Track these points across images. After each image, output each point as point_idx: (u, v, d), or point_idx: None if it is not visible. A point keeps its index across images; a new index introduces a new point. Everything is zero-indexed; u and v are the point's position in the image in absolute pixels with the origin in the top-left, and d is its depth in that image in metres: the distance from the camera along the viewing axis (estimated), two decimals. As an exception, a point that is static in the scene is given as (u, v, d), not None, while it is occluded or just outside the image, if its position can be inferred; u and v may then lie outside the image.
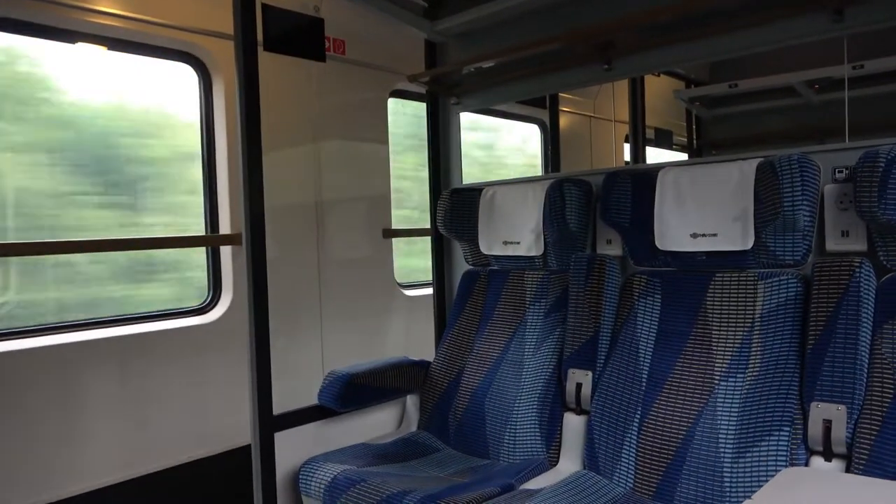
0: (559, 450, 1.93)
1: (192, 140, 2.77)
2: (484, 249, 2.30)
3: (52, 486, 2.26)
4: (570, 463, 1.90)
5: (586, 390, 1.90)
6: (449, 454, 2.10)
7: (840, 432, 1.45)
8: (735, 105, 3.89)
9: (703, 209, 1.77)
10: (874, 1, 1.65)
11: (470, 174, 2.65)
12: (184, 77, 2.72)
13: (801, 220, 1.60)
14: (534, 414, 1.98)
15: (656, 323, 1.85)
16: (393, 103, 3.43)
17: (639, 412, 1.77)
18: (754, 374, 1.63)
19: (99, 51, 2.47)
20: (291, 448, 2.00)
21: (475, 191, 2.34)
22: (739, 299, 1.72)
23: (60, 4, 2.29)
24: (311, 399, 2.12)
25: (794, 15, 1.77)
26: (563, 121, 4.03)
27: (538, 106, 3.93)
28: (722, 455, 1.59)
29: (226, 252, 2.78)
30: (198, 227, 2.78)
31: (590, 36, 2.07)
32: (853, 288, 1.51)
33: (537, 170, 4.14)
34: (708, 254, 1.78)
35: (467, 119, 2.75)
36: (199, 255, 2.81)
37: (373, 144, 3.29)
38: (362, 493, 1.71)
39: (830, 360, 1.50)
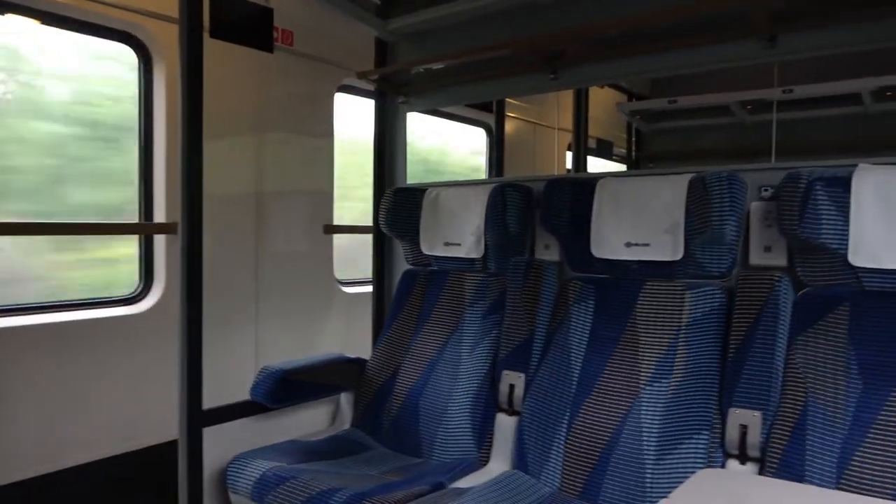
0: (490, 449, 1.96)
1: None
2: (425, 250, 2.31)
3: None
4: (500, 463, 1.93)
5: (519, 392, 1.93)
6: (381, 452, 2.10)
7: (755, 437, 1.53)
8: (673, 120, 4.04)
9: (638, 220, 1.83)
10: (804, 30, 1.75)
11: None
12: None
13: (727, 235, 1.68)
14: (467, 414, 2.00)
15: (589, 328, 1.90)
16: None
17: (568, 414, 1.82)
18: (678, 379, 1.70)
19: (30, 24, 2.37)
20: (220, 444, 1.96)
21: (419, 191, 2.35)
22: (667, 308, 1.78)
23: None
24: (243, 395, 2.08)
25: (731, 39, 1.86)
26: (509, 126, 4.09)
27: (485, 110, 3.98)
28: (645, 456, 1.65)
29: (160, 241, 2.70)
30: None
31: (538, 45, 2.12)
32: (772, 301, 1.59)
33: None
34: (640, 263, 1.85)
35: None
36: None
37: (318, 139, 3.26)
38: (291, 490, 1.70)
39: (749, 369, 1.57)
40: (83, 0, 2.38)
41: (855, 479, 1.40)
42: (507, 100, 4.03)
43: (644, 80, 4.09)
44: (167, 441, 2.61)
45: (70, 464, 2.39)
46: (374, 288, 2.61)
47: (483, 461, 1.95)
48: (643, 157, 4.18)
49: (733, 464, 1.56)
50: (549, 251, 2.13)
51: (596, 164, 4.10)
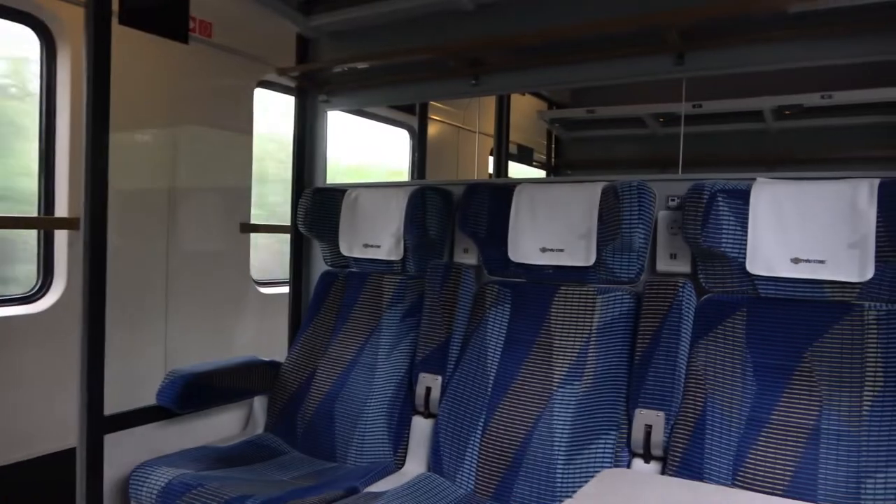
0: (406, 452, 1.96)
1: None
2: (344, 251, 2.28)
3: None
4: (415, 465, 1.93)
5: (435, 394, 1.94)
6: (295, 457, 2.06)
7: (658, 436, 1.60)
8: (591, 129, 4.17)
9: (553, 226, 1.88)
10: (711, 49, 1.85)
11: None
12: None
13: (636, 242, 1.75)
14: (383, 417, 1.99)
15: (505, 331, 1.93)
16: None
17: (483, 416, 1.84)
18: (588, 381, 1.75)
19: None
20: (123, 452, 1.87)
21: (338, 191, 2.32)
22: (580, 312, 1.84)
23: None
24: (150, 399, 1.99)
25: (643, 54, 1.93)
26: (433, 129, 4.10)
27: (409, 112, 3.98)
28: (556, 457, 1.69)
29: (61, 237, 2.55)
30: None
31: (460, 51, 2.14)
32: (676, 306, 1.67)
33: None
34: (555, 268, 1.89)
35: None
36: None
37: (236, 135, 3.17)
38: (197, 498, 1.64)
39: (654, 371, 1.64)
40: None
41: (749, 477, 1.48)
42: (432, 103, 4.05)
43: (565, 90, 4.20)
44: (67, 449, 2.47)
45: None
46: (290, 289, 2.56)
47: (399, 464, 1.95)
48: (562, 164, 4.29)
49: (638, 463, 1.62)
50: (467, 255, 2.15)
51: (519, 170, 4.17)
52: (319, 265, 2.48)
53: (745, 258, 1.61)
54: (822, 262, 1.53)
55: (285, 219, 2.93)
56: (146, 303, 2.79)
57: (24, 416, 2.39)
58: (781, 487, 1.44)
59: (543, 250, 1.90)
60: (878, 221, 1.47)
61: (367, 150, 4.09)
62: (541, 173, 4.36)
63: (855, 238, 1.50)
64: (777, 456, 1.47)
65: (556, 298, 1.89)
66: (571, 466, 1.67)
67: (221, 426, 2.20)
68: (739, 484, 1.48)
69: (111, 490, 1.84)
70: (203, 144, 3.01)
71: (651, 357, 1.66)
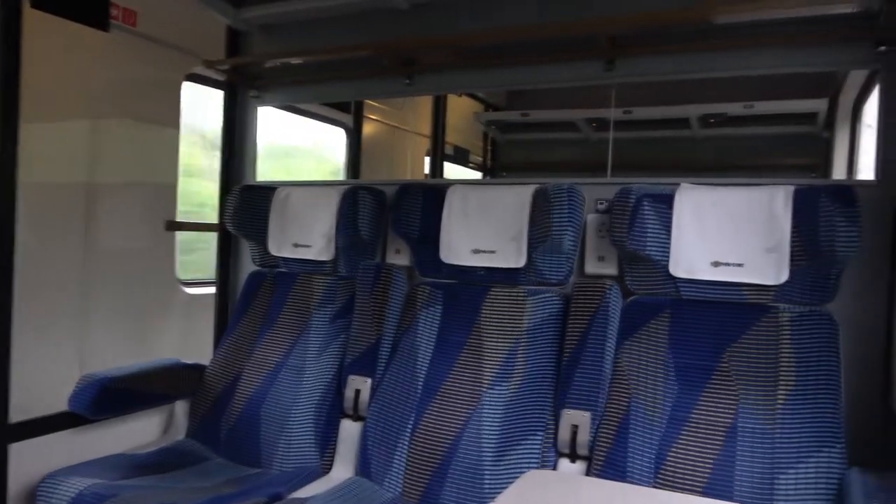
0: (333, 457, 1.92)
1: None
2: (273, 250, 2.22)
3: None
4: (343, 470, 1.89)
5: (364, 397, 1.91)
6: (218, 464, 1.99)
7: (584, 436, 1.62)
8: (526, 133, 4.21)
9: (485, 227, 1.88)
10: (641, 56, 1.89)
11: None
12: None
13: (566, 244, 1.77)
14: (310, 421, 1.95)
15: (436, 332, 1.92)
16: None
17: (412, 418, 1.82)
18: (517, 382, 1.76)
19: None
20: (31, 461, 1.76)
21: (268, 189, 2.26)
22: (510, 313, 1.84)
23: None
24: (62, 406, 1.89)
25: (576, 59, 1.97)
26: (368, 128, 4.06)
27: (344, 110, 3.92)
28: (484, 458, 1.69)
29: None
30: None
31: (394, 49, 2.12)
32: (603, 308, 1.70)
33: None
34: (486, 269, 1.89)
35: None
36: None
37: (161, 129, 3.04)
38: None
39: (580, 372, 1.66)
40: None
41: (670, 475, 1.51)
42: (368, 102, 4.00)
43: (501, 92, 4.23)
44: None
45: None
46: (217, 289, 2.48)
47: (326, 469, 1.91)
48: (498, 166, 4.32)
49: (564, 462, 1.64)
50: (399, 256, 2.13)
51: (455, 171, 4.18)
52: (247, 265, 2.41)
53: (668, 261, 1.65)
54: (740, 265, 1.59)
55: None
56: (60, 303, 2.65)
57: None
58: (700, 485, 1.48)
59: (475, 252, 1.90)
60: (792, 227, 1.54)
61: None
62: (477, 175, 4.37)
63: (771, 242, 1.56)
64: (696, 454, 1.51)
65: (487, 300, 1.89)
66: (499, 467, 1.67)
67: (140, 433, 2.11)
68: (661, 482, 1.52)
69: (17, 501, 1.73)
70: (126, 138, 2.88)
71: (578, 358, 1.68)
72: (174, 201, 3.13)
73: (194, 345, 3.09)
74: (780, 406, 1.50)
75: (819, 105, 3.06)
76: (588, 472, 1.60)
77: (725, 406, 1.54)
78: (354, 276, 2.10)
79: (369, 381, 1.92)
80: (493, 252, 1.88)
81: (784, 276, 1.55)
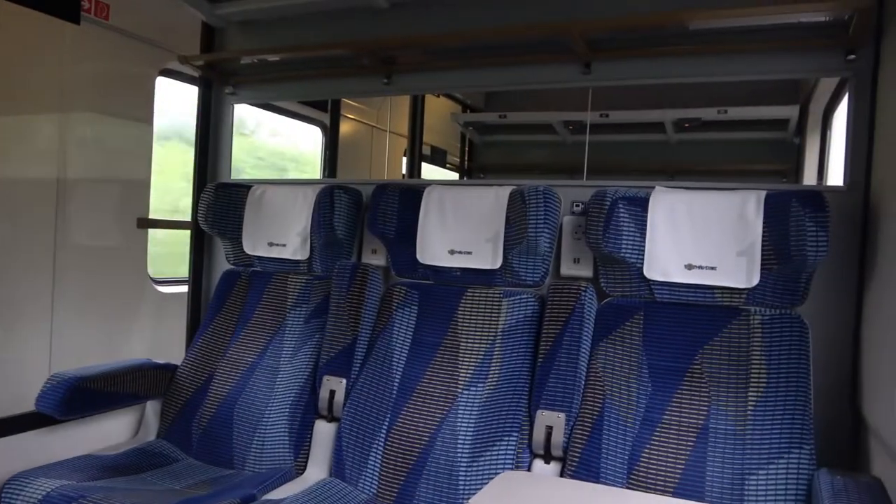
0: (307, 458, 1.90)
1: None
2: (248, 249, 2.20)
3: None
4: (317, 471, 1.88)
5: (339, 397, 1.90)
6: (189, 465, 1.96)
7: (559, 437, 1.62)
8: (504, 134, 4.23)
9: (461, 228, 1.88)
10: (617, 60, 1.91)
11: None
12: None
13: (541, 246, 1.77)
14: (284, 421, 1.93)
15: (411, 333, 1.92)
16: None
17: (387, 419, 1.82)
18: (493, 383, 1.76)
19: None
20: None
21: (243, 187, 2.24)
22: (486, 314, 1.85)
23: None
24: (31, 405, 1.84)
25: (553, 62, 1.98)
26: (346, 127, 4.04)
27: (321, 109, 3.90)
28: (459, 459, 1.69)
29: None
30: None
31: (372, 48, 2.11)
32: (578, 309, 1.71)
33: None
34: (462, 270, 1.89)
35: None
36: None
37: (135, 124, 3.00)
38: None
39: (555, 373, 1.67)
40: None
41: (643, 476, 1.53)
42: (346, 101, 3.98)
43: (479, 93, 4.24)
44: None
45: None
46: (190, 288, 2.44)
47: (299, 470, 1.89)
48: (475, 167, 4.33)
49: (539, 464, 1.64)
50: (375, 255, 2.13)
51: (433, 172, 4.18)
52: (221, 263, 2.38)
53: (643, 263, 1.67)
54: (713, 268, 1.61)
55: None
56: (28, 301, 2.59)
57: None
58: (672, 485, 1.50)
59: (452, 252, 1.89)
60: (764, 231, 1.56)
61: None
62: (454, 176, 4.38)
63: (743, 246, 1.58)
64: (668, 455, 1.53)
65: (463, 301, 1.89)
66: (474, 468, 1.67)
67: (110, 433, 2.07)
68: (633, 483, 1.53)
69: None
70: (97, 133, 2.83)
71: (553, 359, 1.68)
72: (147, 198, 3.09)
73: (166, 344, 3.06)
74: (750, 408, 1.52)
75: (791, 112, 3.12)
76: (562, 473, 1.61)
77: (697, 407, 1.56)
78: (330, 276, 2.09)
79: (344, 381, 1.91)
80: (469, 253, 1.88)
81: (755, 280, 1.57)
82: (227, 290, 2.23)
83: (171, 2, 2.31)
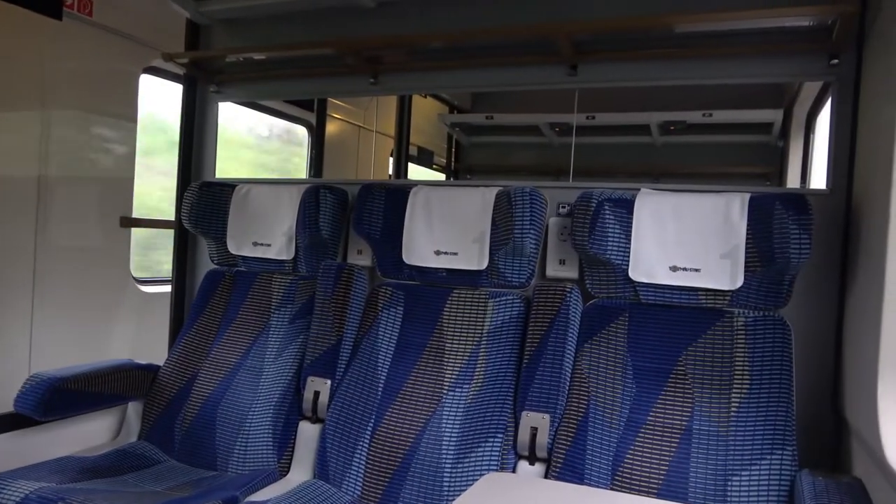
0: (291, 459, 1.89)
1: None
2: (232, 249, 2.18)
3: None
4: (301, 472, 1.86)
5: (324, 398, 1.89)
6: (171, 466, 1.94)
7: (543, 438, 1.62)
8: (490, 135, 4.24)
9: (448, 229, 1.88)
10: (603, 62, 1.91)
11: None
12: None
13: (527, 247, 1.77)
14: (268, 422, 1.92)
15: (397, 334, 1.91)
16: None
17: (372, 420, 1.81)
18: (478, 384, 1.76)
19: None
20: None
21: (228, 186, 2.22)
22: (471, 315, 1.84)
23: None
24: (7, 406, 1.82)
25: (539, 63, 1.98)
26: (332, 127, 4.03)
27: (307, 108, 3.88)
28: (444, 460, 1.69)
29: None
30: None
31: (358, 47, 2.10)
32: (563, 311, 1.71)
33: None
34: (448, 271, 1.89)
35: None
36: None
37: (118, 122, 2.97)
38: None
39: (540, 374, 1.67)
40: None
41: (627, 477, 1.53)
42: (333, 100, 3.97)
43: (466, 94, 4.25)
44: None
45: None
46: (173, 288, 2.42)
47: (283, 472, 1.88)
48: (462, 168, 4.33)
49: (524, 465, 1.64)
50: (361, 256, 2.12)
51: (419, 172, 4.17)
52: (205, 263, 2.36)
53: (628, 265, 1.67)
54: (697, 270, 1.62)
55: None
56: (7, 301, 2.56)
57: None
58: (656, 486, 1.50)
59: (438, 253, 1.89)
60: (747, 234, 1.57)
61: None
62: (441, 176, 4.38)
63: (727, 248, 1.59)
64: (652, 456, 1.53)
65: (449, 302, 1.89)
66: (459, 470, 1.66)
67: (90, 435, 2.04)
68: (618, 484, 1.53)
69: None
70: (80, 131, 2.80)
71: (538, 360, 1.68)
72: (130, 197, 3.05)
73: (149, 345, 3.03)
74: (734, 409, 1.53)
75: (775, 115, 3.15)
76: (547, 475, 1.61)
77: (681, 408, 1.57)
78: (315, 276, 2.07)
79: (329, 382, 1.90)
80: (455, 254, 1.87)
81: (739, 282, 1.58)
82: (211, 290, 2.21)
83: (155, -1, 2.29)
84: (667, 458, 1.52)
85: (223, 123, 2.50)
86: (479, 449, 1.66)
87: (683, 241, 1.63)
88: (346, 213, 2.13)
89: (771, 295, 1.58)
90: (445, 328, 1.86)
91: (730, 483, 1.46)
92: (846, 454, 1.53)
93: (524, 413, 1.66)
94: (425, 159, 4.19)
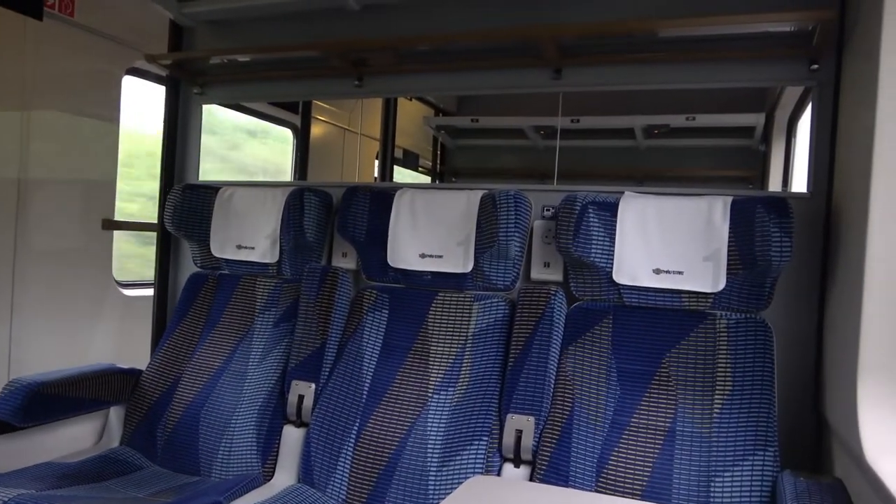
0: (275, 464, 1.88)
1: None
2: (215, 252, 2.17)
3: None
4: (285, 477, 1.85)
5: (308, 402, 1.88)
6: (153, 472, 1.92)
7: (528, 441, 1.63)
8: (476, 138, 4.24)
9: (432, 232, 1.88)
10: (587, 66, 1.93)
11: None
12: None
13: (512, 250, 1.78)
14: (252, 427, 1.90)
15: (382, 337, 1.91)
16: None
17: (357, 424, 1.80)
18: (463, 387, 1.76)
19: None
20: None
21: (211, 189, 2.21)
22: (456, 318, 1.84)
23: None
24: None
25: (524, 66, 1.99)
26: (317, 129, 4.01)
27: (292, 110, 3.86)
28: (429, 464, 1.68)
29: None
30: None
31: (342, 49, 2.09)
32: (548, 313, 1.71)
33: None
34: (433, 274, 1.89)
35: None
36: None
37: (100, 123, 2.94)
38: None
39: (525, 376, 1.67)
40: None
41: (611, 479, 1.54)
42: (317, 102, 3.95)
43: (451, 97, 4.25)
44: None
45: None
46: (156, 291, 2.40)
47: (267, 476, 1.87)
48: (447, 171, 4.33)
49: (509, 467, 1.64)
50: (345, 259, 2.11)
51: (405, 175, 4.17)
52: (188, 266, 2.34)
53: (612, 268, 1.68)
54: (680, 272, 1.63)
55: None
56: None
57: None
58: (640, 488, 1.51)
59: (422, 256, 1.89)
60: (729, 237, 1.59)
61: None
62: (426, 179, 4.37)
63: (709, 251, 1.60)
64: (637, 458, 1.54)
65: (434, 305, 1.88)
66: (444, 473, 1.66)
67: (71, 440, 2.02)
68: (602, 486, 1.54)
69: None
70: (61, 133, 2.77)
71: (523, 363, 1.69)
72: (112, 199, 3.03)
73: (131, 349, 2.99)
74: (716, 410, 1.54)
75: (757, 119, 3.18)
76: (532, 477, 1.61)
77: (665, 410, 1.58)
78: (299, 279, 2.06)
79: (313, 386, 1.89)
80: (440, 257, 1.87)
81: (721, 284, 1.59)
82: (194, 294, 2.19)
83: (138, 0, 2.27)
84: (650, 459, 1.53)
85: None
86: (465, 452, 1.66)
87: (666, 243, 1.64)
88: (330, 215, 2.12)
89: (753, 297, 1.60)
90: (430, 331, 1.86)
91: (713, 484, 1.47)
92: (827, 455, 1.55)
93: (509, 415, 1.66)
94: (411, 162, 4.18)
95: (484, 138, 4.21)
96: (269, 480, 1.85)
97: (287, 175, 4.06)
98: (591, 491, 1.53)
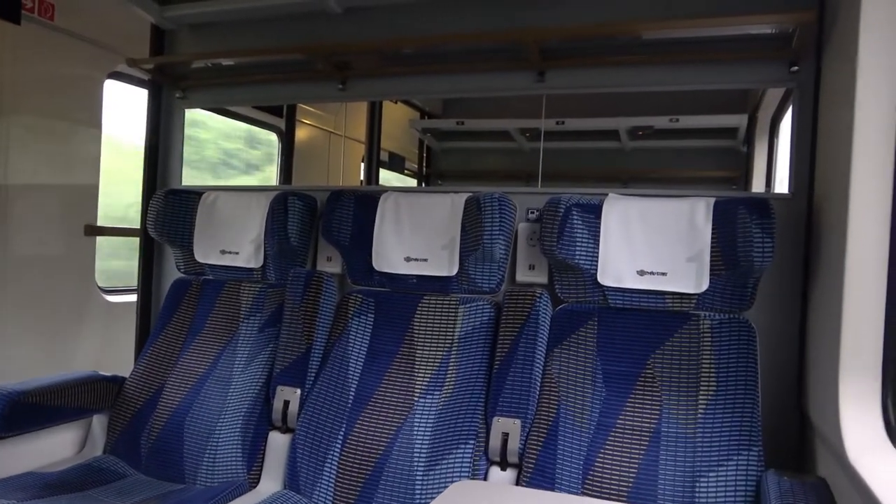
0: (261, 470, 1.86)
1: None
2: (199, 257, 2.15)
3: None
4: (271, 483, 1.84)
5: (294, 408, 1.87)
6: (137, 480, 1.90)
7: (515, 444, 1.63)
8: (462, 141, 4.24)
9: (417, 235, 1.87)
10: (570, 69, 1.93)
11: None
12: None
13: (497, 253, 1.78)
14: (237, 433, 1.89)
15: (367, 341, 1.90)
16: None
17: (343, 429, 1.79)
18: (449, 391, 1.75)
19: None
20: None
21: (195, 194, 2.19)
22: (442, 321, 1.84)
23: None
24: None
25: (507, 69, 1.99)
26: (302, 133, 4.00)
27: (276, 114, 3.85)
28: (415, 468, 1.68)
29: None
30: None
31: (326, 53, 2.09)
32: (533, 315, 1.71)
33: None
34: (419, 277, 1.89)
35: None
36: None
37: (82, 128, 2.91)
38: None
39: (511, 379, 1.67)
40: None
41: (597, 480, 1.54)
42: (302, 106, 3.94)
43: (437, 100, 4.25)
44: None
45: None
46: (139, 297, 2.37)
47: (253, 483, 1.85)
48: (433, 173, 4.33)
49: (495, 470, 1.64)
50: (330, 263, 2.10)
51: (391, 178, 4.16)
52: (172, 272, 2.32)
53: (596, 270, 1.68)
54: (664, 274, 1.63)
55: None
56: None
57: None
58: (626, 490, 1.51)
59: (408, 259, 1.88)
60: (712, 238, 1.60)
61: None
62: (413, 182, 4.37)
63: (693, 252, 1.61)
64: (622, 460, 1.54)
65: (420, 308, 1.88)
66: (431, 476, 1.66)
67: (53, 449, 1.99)
68: (588, 488, 1.54)
69: None
70: (41, 138, 2.74)
71: (509, 366, 1.69)
72: (95, 205, 3.00)
73: (114, 355, 2.96)
74: (700, 411, 1.54)
75: (739, 121, 3.20)
76: (518, 480, 1.61)
77: (650, 411, 1.58)
78: (284, 284, 2.05)
79: (299, 391, 1.87)
80: (425, 260, 1.87)
81: (704, 285, 1.60)
82: (178, 300, 2.17)
83: (119, 3, 2.25)
84: (636, 461, 1.53)
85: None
86: (451, 455, 1.66)
87: (650, 245, 1.65)
88: (315, 220, 2.12)
89: (736, 298, 1.61)
90: (416, 335, 1.85)
91: (697, 484, 1.47)
92: (811, 454, 1.56)
93: (495, 419, 1.65)
94: (397, 165, 4.18)
95: (470, 141, 4.21)
96: (254, 487, 1.84)
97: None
98: (577, 493, 1.53)
